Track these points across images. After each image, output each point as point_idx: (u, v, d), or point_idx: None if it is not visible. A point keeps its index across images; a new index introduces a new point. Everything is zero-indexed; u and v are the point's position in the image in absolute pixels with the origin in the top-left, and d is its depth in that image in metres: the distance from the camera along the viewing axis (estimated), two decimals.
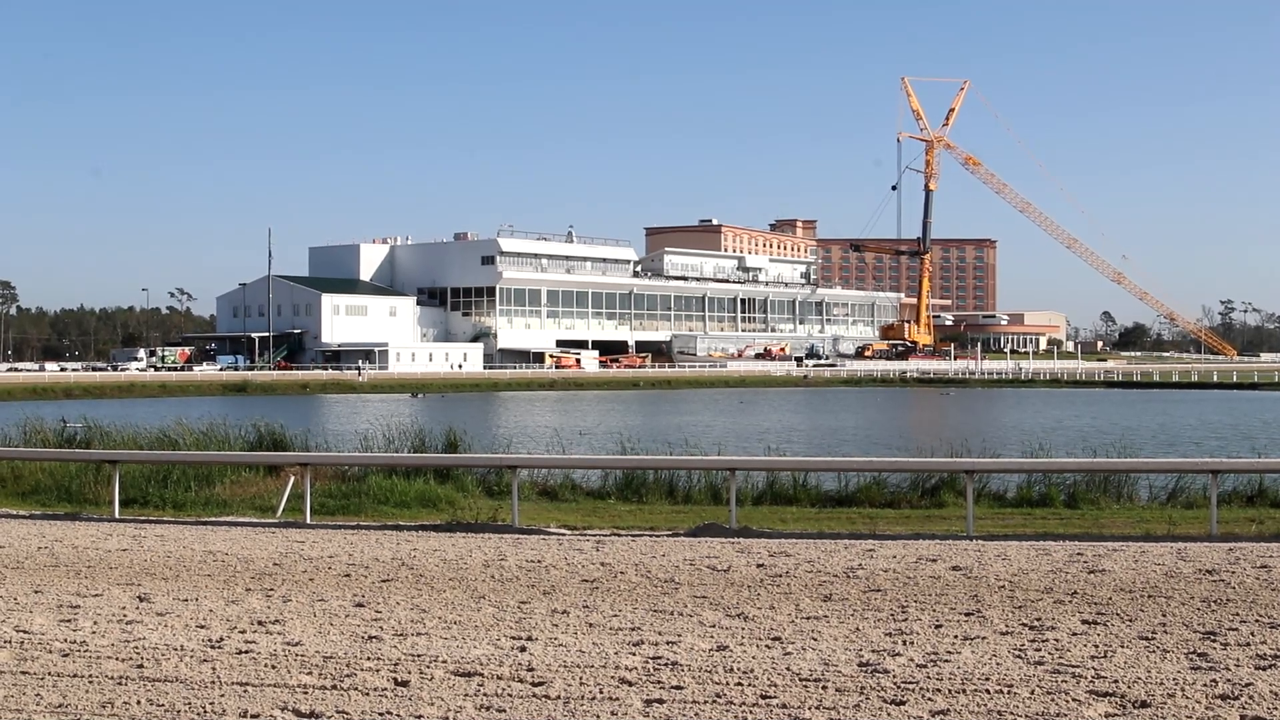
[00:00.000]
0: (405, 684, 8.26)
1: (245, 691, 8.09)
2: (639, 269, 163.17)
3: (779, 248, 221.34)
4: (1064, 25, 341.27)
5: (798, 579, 12.48)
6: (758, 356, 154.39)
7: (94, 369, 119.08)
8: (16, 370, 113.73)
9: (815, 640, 9.52)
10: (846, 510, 19.58)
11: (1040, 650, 9.11)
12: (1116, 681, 8.15)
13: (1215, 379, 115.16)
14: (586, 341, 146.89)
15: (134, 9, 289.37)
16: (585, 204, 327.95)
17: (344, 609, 10.97)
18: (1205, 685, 8.04)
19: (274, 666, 8.73)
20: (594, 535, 16.31)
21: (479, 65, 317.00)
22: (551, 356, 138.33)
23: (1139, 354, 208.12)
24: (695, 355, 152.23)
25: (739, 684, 8.18)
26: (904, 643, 9.40)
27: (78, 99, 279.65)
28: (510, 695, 7.97)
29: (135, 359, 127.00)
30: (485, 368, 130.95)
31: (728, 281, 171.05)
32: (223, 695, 7.99)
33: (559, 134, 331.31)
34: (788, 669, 8.55)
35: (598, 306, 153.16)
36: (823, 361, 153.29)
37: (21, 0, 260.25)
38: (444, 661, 8.84)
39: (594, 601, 11.28)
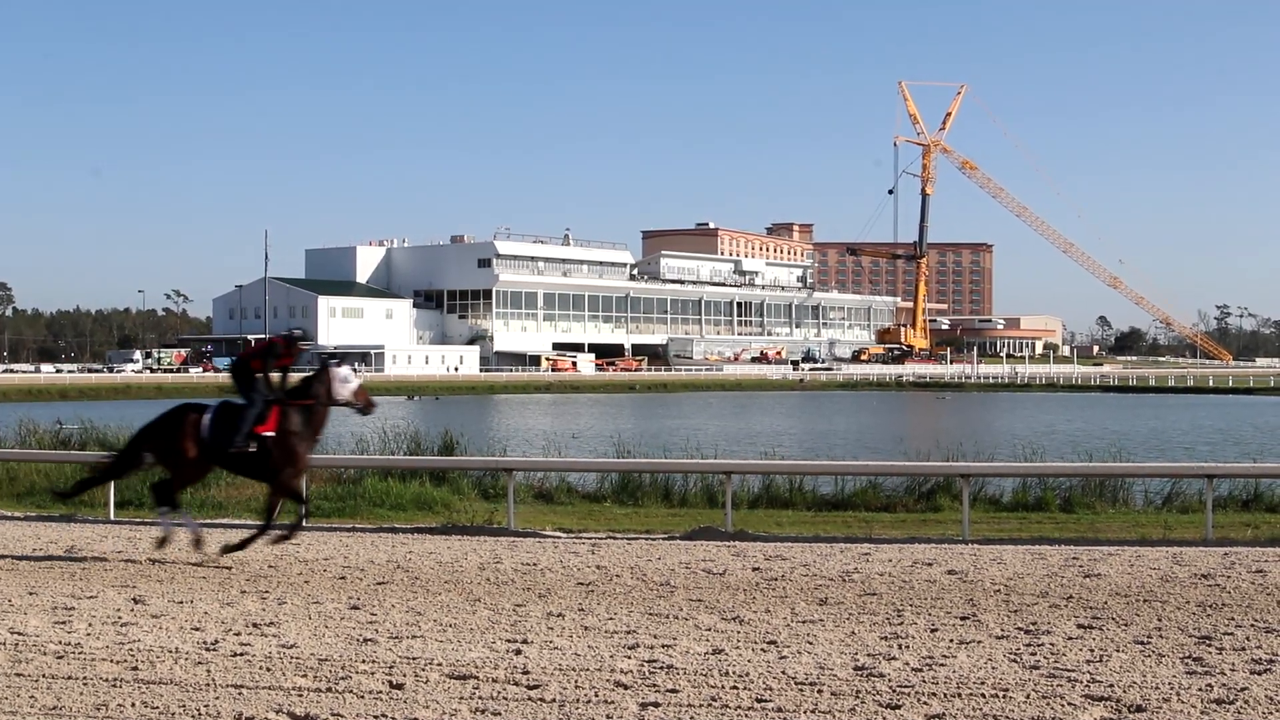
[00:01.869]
0: (400, 687, 8.25)
1: (240, 694, 8.08)
2: (635, 272, 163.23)
3: (775, 251, 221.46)
4: (1061, 29, 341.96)
5: (793, 582, 12.48)
6: (754, 360, 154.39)
7: (90, 371, 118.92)
8: (12, 372, 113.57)
9: (811, 644, 9.51)
10: (842, 514, 19.59)
11: (1036, 654, 9.11)
12: (1112, 686, 8.15)
13: (1211, 384, 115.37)
14: (583, 344, 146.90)
15: (134, 9, 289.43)
16: (582, 207, 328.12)
17: (339, 611, 10.96)
18: (1201, 689, 8.05)
19: (269, 669, 8.72)
20: (590, 538, 16.30)
21: (476, 67, 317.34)
22: (548, 359, 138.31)
23: (1135, 358, 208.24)
24: (691, 358, 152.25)
25: (734, 687, 8.18)
26: (899, 646, 9.40)
27: (76, 99, 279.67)
28: (505, 698, 7.96)
29: (131, 361, 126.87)
30: (481, 370, 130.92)
31: (724, 285, 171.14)
32: (217, 698, 7.98)
33: (556, 137, 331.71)
34: (783, 672, 8.55)
35: (594, 309, 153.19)
36: (819, 365, 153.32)
37: (21, 0, 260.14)
38: (439, 664, 8.84)
39: (589, 604, 11.28)
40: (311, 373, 13.81)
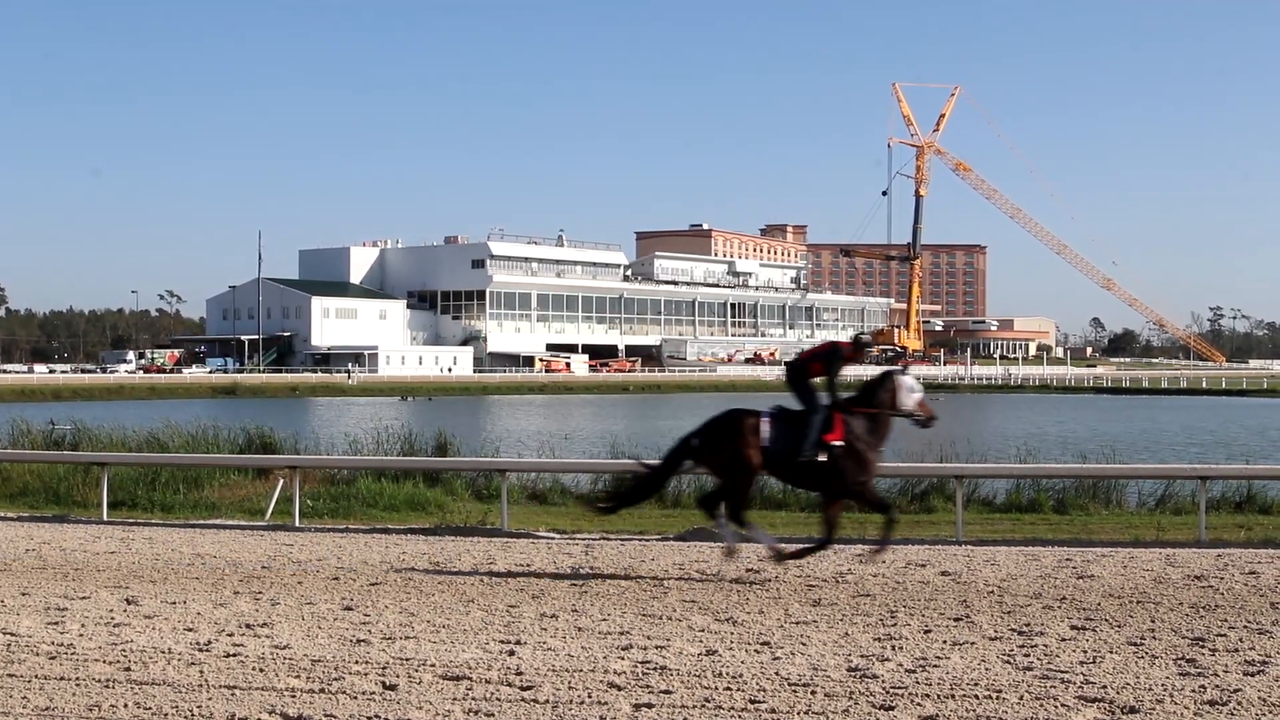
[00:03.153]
0: (393, 687, 8.24)
1: (233, 695, 8.07)
2: (629, 273, 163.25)
3: (769, 252, 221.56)
4: (1056, 30, 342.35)
5: (787, 584, 12.48)
6: (748, 361, 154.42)
7: (83, 371, 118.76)
8: (5, 372, 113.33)
9: (804, 645, 9.51)
10: None
11: (1029, 655, 9.11)
12: (1105, 687, 8.15)
13: (1204, 385, 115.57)
14: (576, 345, 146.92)
15: (134, 9, 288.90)
16: (576, 207, 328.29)
17: (332, 612, 10.95)
18: (1194, 691, 8.05)
19: (262, 670, 8.71)
20: (583, 539, 16.31)
21: (470, 68, 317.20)
22: (541, 360, 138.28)
23: (1128, 360, 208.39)
24: (685, 359, 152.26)
25: (728, 689, 8.17)
26: (893, 648, 9.40)
27: (71, 99, 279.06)
28: (499, 699, 7.95)
29: (124, 361, 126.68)
30: (475, 371, 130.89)
31: (718, 286, 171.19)
32: (210, 698, 7.97)
33: (550, 137, 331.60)
34: (776, 674, 8.55)
35: (588, 310, 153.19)
36: None
37: (21, 0, 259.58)
38: (432, 665, 8.83)
39: (583, 605, 11.28)
40: (874, 379, 12.77)
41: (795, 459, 12.35)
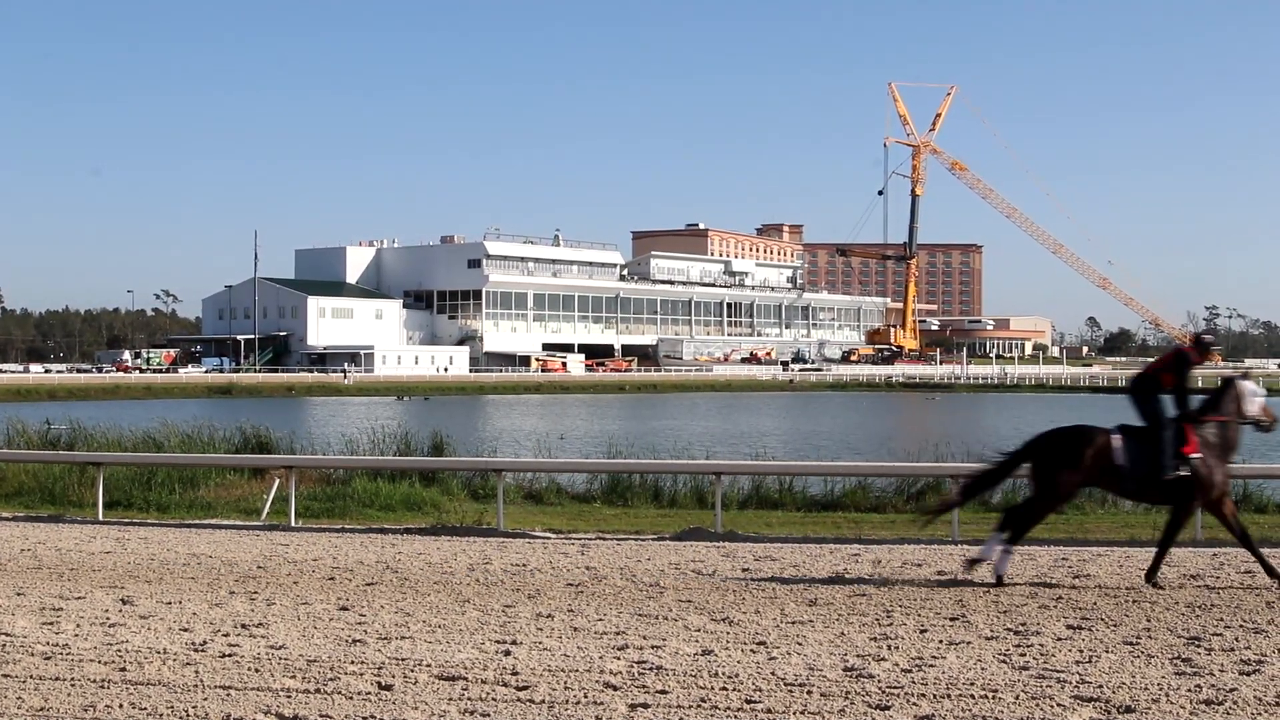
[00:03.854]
0: (389, 688, 8.23)
1: (228, 695, 8.06)
2: (625, 273, 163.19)
3: (765, 252, 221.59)
4: (1052, 31, 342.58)
5: (783, 583, 12.48)
6: (744, 361, 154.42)
7: (79, 371, 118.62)
8: (1, 372, 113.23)
9: (800, 645, 9.51)
10: (832, 514, 19.59)
11: (1025, 655, 9.11)
12: (1101, 686, 8.15)
13: (1200, 384, 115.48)
14: (573, 345, 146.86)
15: (133, 9, 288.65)
16: (572, 207, 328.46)
17: (328, 612, 10.94)
18: (1190, 690, 8.05)
19: (257, 670, 8.70)
20: (579, 539, 16.30)
21: (467, 68, 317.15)
22: (537, 360, 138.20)
23: (1124, 359, 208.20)
24: (681, 359, 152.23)
25: (724, 688, 8.17)
26: (889, 647, 9.39)
27: (67, 99, 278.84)
28: (494, 699, 7.95)
29: (120, 361, 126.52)
30: (471, 371, 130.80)
31: (714, 285, 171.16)
32: (205, 699, 7.96)
33: (546, 137, 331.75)
34: (772, 673, 8.54)
35: (584, 310, 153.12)
36: (808, 366, 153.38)
37: (21, 0, 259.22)
38: (428, 665, 8.82)
39: (579, 605, 11.27)
40: (1218, 387, 12.54)
41: (1160, 476, 12.13)
